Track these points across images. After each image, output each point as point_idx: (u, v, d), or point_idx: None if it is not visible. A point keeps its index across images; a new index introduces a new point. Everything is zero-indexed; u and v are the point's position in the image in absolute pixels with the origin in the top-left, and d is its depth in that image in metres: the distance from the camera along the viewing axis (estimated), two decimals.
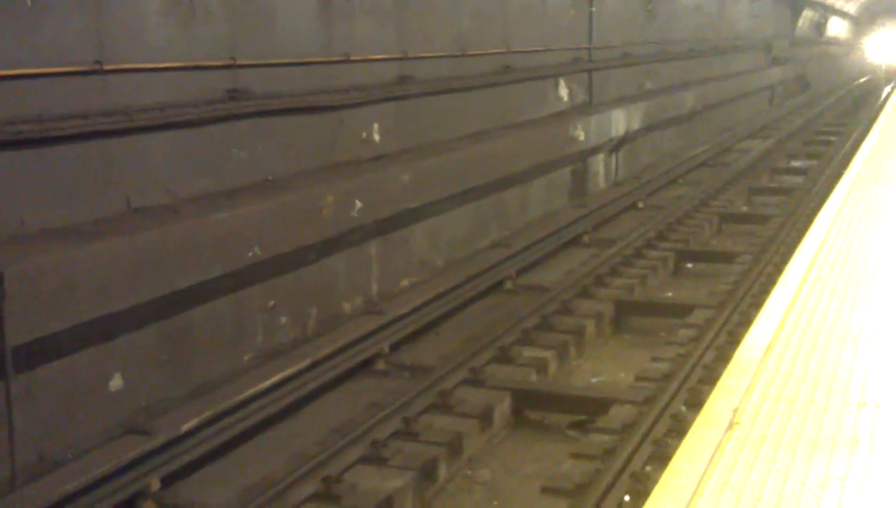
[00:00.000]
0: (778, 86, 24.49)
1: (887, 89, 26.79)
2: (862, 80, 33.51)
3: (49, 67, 5.02)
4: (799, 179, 14.20)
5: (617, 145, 12.85)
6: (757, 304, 6.84)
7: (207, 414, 5.18)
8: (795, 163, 16.10)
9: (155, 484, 4.73)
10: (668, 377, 6.03)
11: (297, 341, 6.49)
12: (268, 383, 5.64)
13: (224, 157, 6.24)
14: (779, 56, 25.08)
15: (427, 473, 5.03)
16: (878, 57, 42.53)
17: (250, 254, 5.87)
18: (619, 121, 12.58)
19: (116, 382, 5.11)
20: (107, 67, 5.31)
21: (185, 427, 5.01)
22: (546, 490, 4.80)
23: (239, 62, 6.26)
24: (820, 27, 32.23)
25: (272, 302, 6.33)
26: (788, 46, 26.37)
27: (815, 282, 5.28)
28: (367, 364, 6.49)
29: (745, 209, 12.41)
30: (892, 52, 42.87)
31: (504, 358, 6.54)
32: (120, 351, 5.17)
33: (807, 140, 18.73)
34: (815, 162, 15.71)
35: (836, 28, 36.97)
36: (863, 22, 42.81)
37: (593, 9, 12.37)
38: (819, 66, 30.64)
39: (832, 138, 18.57)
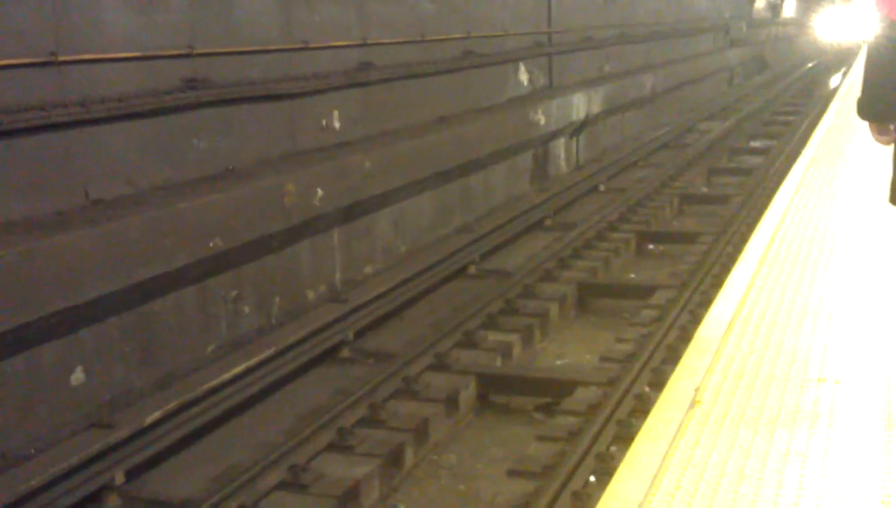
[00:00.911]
0: (737, 67, 24.68)
1: (837, 78, 25.92)
2: (810, 64, 32.30)
3: (4, 59, 4.96)
4: (758, 159, 14.33)
5: (578, 129, 12.90)
6: (718, 284, 6.91)
7: (172, 405, 5.15)
8: (755, 144, 16.25)
9: (119, 478, 4.70)
10: (631, 357, 6.08)
11: (261, 330, 6.48)
12: (232, 373, 5.63)
13: (184, 147, 6.20)
14: (737, 38, 25.27)
15: (394, 459, 5.04)
16: (828, 36, 40.82)
17: (212, 244, 5.84)
18: (580, 105, 12.62)
19: (79, 376, 5.07)
20: (62, 58, 5.25)
21: (150, 419, 4.99)
22: (512, 473, 4.83)
23: (197, 51, 6.21)
24: (776, 7, 32.35)
25: (235, 292, 6.30)
26: (746, 28, 26.57)
27: (774, 261, 5.35)
28: (331, 352, 6.49)
29: (705, 190, 12.51)
30: (842, 32, 40.60)
31: (469, 342, 6.56)
32: (82, 344, 5.13)
33: (766, 120, 18.90)
34: (773, 142, 15.86)
35: (789, 7, 35.90)
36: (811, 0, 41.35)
37: None
38: (775, 46, 30.87)
39: (790, 118, 18.75)
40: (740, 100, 21.53)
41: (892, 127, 3.24)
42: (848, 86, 14.91)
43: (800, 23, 38.06)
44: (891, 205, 3.31)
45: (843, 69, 25.24)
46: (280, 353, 6.02)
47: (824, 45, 39.47)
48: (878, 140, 3.31)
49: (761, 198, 10.26)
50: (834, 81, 24.53)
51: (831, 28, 40.61)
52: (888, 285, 4.82)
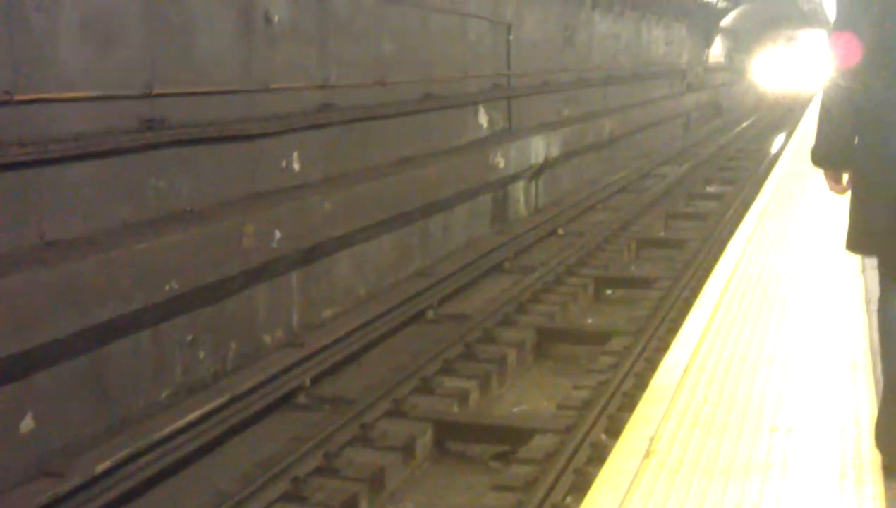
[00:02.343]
0: (693, 112, 25.04)
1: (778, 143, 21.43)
2: (745, 123, 26.88)
3: None
4: (714, 204, 14.51)
5: (537, 172, 12.99)
6: (674, 329, 6.95)
7: (124, 453, 5.07)
8: (710, 189, 16.45)
9: None
10: (588, 405, 6.09)
11: (216, 375, 6.41)
12: (186, 419, 5.55)
13: (142, 188, 6.15)
14: (693, 83, 25.69)
15: None
16: (766, 82, 34.87)
17: (168, 287, 5.78)
18: (539, 148, 12.73)
19: (28, 423, 4.97)
20: (18, 98, 5.20)
21: (101, 467, 4.90)
22: None
23: (156, 91, 6.18)
24: (731, 53, 32.49)
25: (191, 336, 6.23)
26: (702, 73, 27.02)
27: (729, 307, 5.39)
28: (288, 397, 6.43)
29: (662, 234, 12.62)
30: (783, 76, 34.36)
31: (426, 388, 6.54)
32: (33, 390, 5.03)
33: (721, 165, 19.16)
34: (729, 187, 16.07)
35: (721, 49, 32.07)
36: (749, 37, 34.09)
37: (511, 36, 12.53)
38: (730, 91, 31.23)
39: (745, 163, 19.03)
40: (696, 144, 21.83)
41: (845, 175, 3.24)
42: (801, 135, 15.16)
43: (736, 67, 33.17)
44: (847, 252, 3.31)
45: (783, 141, 20.70)
46: (235, 399, 5.95)
47: (758, 93, 34.18)
48: (832, 188, 3.30)
49: (717, 243, 10.38)
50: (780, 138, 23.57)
51: (768, 72, 35.10)
52: (841, 333, 4.88)
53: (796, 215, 8.06)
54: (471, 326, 7.76)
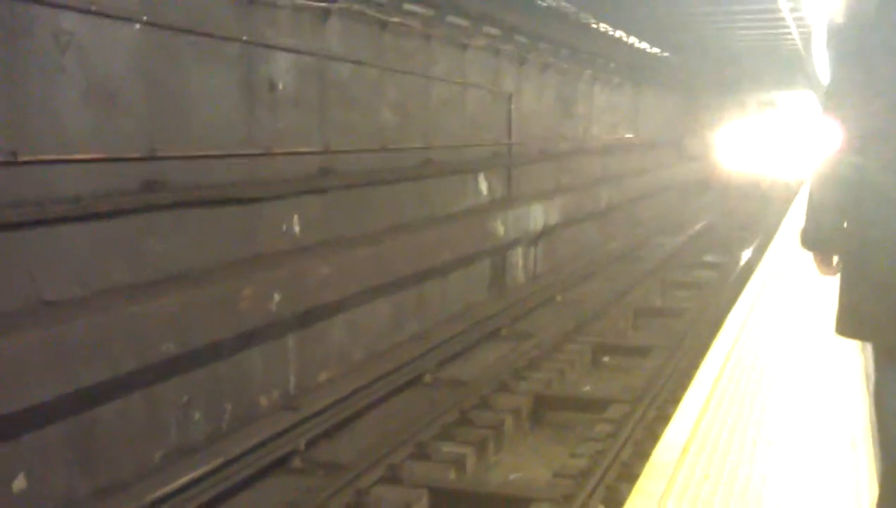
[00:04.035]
0: (690, 182, 25.18)
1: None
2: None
3: None
4: (712, 274, 14.53)
5: (535, 239, 13.04)
6: (672, 399, 6.92)
7: None
8: (708, 258, 16.49)
9: None
10: (585, 474, 6.03)
11: (211, 437, 6.35)
12: (180, 482, 5.49)
13: (140, 249, 6.16)
14: (690, 154, 25.86)
15: None
16: (731, 162, 27.37)
17: (164, 349, 5.76)
18: (538, 216, 12.80)
19: (21, 482, 4.92)
20: (21, 159, 5.23)
21: None
22: None
23: (157, 154, 6.22)
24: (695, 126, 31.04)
25: (186, 398, 6.19)
26: (698, 144, 27.19)
27: (729, 383, 5.37)
28: (282, 461, 6.37)
29: (659, 303, 12.63)
30: (754, 154, 26.76)
31: (422, 454, 6.48)
32: (25, 450, 4.99)
33: (718, 236, 19.21)
34: (727, 257, 16.11)
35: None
36: (711, 105, 27.67)
37: (512, 106, 12.67)
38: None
39: (743, 234, 19.09)
40: (693, 214, 21.92)
41: (835, 258, 3.17)
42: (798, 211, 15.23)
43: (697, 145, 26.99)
44: (836, 337, 3.23)
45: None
46: (229, 462, 5.89)
47: (724, 175, 26.79)
48: (821, 271, 3.22)
49: (715, 313, 10.37)
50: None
51: (731, 149, 27.78)
52: (840, 411, 4.86)
53: (795, 291, 8.07)
54: (467, 392, 7.72)
